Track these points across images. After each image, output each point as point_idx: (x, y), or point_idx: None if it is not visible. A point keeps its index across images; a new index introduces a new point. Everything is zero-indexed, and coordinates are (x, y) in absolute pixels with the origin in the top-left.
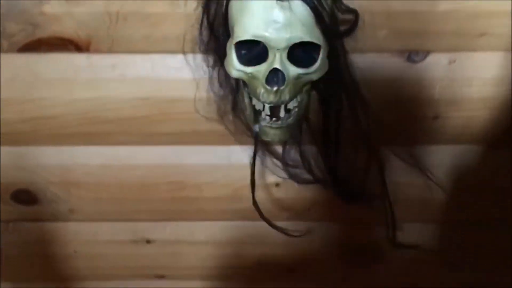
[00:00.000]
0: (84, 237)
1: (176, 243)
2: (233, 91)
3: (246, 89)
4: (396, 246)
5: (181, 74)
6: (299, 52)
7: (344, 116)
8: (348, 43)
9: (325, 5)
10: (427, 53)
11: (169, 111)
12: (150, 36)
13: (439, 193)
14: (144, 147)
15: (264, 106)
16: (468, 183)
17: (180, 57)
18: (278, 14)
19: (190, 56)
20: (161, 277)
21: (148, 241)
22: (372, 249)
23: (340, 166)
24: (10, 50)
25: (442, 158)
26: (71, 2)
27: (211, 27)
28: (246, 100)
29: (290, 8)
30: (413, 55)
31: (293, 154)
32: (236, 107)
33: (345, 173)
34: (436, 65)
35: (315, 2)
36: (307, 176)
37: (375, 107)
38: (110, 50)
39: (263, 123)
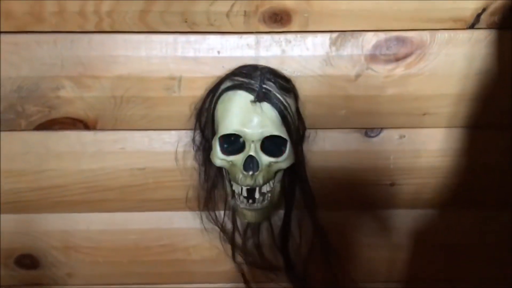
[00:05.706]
0: None
1: None
2: (214, 187)
3: (227, 176)
4: None
5: (173, 147)
6: (270, 145)
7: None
8: (313, 123)
9: (289, 111)
10: (380, 129)
11: (162, 179)
12: (148, 115)
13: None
14: (138, 213)
15: (242, 189)
16: (425, 242)
17: (173, 132)
18: (253, 115)
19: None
20: None
21: None
22: None
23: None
24: (27, 128)
25: (400, 221)
26: (83, 88)
27: (202, 131)
28: (227, 186)
29: (262, 110)
30: (369, 131)
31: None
32: (210, 202)
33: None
34: (389, 139)
35: (281, 106)
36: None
37: (338, 175)
38: (114, 128)
39: (241, 205)
